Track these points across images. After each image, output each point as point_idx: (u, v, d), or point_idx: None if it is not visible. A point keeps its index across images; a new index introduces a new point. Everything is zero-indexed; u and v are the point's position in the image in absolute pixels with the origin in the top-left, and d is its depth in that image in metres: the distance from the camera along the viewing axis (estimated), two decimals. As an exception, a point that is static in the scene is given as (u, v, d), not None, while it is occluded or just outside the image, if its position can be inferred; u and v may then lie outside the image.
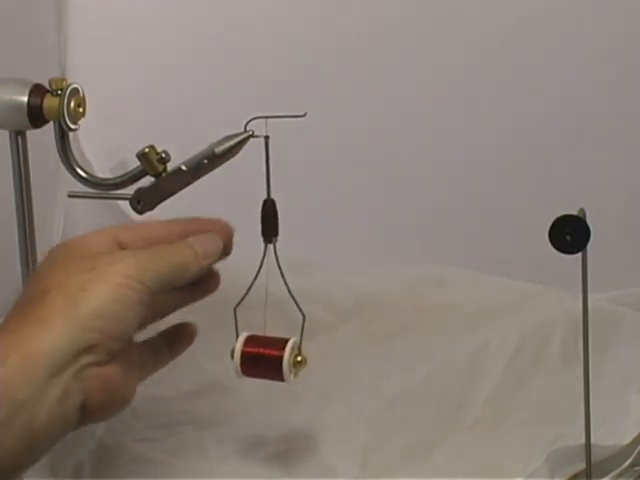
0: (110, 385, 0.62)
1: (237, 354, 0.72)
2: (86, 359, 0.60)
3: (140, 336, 0.67)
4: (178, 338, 0.72)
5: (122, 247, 0.66)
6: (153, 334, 0.70)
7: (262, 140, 0.70)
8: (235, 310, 0.72)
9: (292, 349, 0.72)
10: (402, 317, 0.93)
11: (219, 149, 0.70)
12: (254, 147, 0.70)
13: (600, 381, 0.79)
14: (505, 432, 0.84)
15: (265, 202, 0.71)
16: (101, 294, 0.61)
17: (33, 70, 0.80)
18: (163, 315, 0.70)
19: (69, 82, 0.73)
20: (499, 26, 0.99)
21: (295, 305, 0.72)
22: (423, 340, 0.91)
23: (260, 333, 0.73)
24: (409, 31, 0.98)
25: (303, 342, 0.72)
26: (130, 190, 0.73)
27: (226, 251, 0.70)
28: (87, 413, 0.61)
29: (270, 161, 0.71)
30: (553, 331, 0.91)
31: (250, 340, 0.72)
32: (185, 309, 0.72)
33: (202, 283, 0.70)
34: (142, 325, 0.65)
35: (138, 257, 0.64)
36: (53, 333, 0.59)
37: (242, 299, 0.73)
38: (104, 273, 0.62)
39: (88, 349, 0.60)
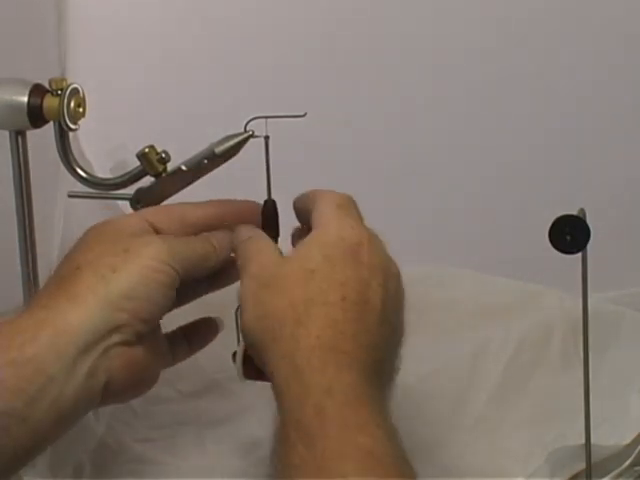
0: (134, 366, 0.63)
1: (239, 358, 0.71)
2: (114, 338, 0.61)
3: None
4: (199, 333, 0.73)
5: (156, 230, 0.67)
6: (174, 328, 0.71)
7: (262, 140, 0.70)
8: (236, 313, 0.72)
9: None
10: (402, 317, 0.92)
11: (219, 149, 0.70)
12: (254, 147, 0.70)
13: (600, 381, 0.79)
14: (505, 432, 0.84)
15: (266, 203, 0.71)
16: (132, 276, 0.62)
17: (33, 70, 0.80)
18: (185, 302, 0.71)
19: (69, 82, 0.73)
20: (499, 26, 0.99)
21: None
22: (423, 340, 0.91)
23: None
24: (409, 31, 0.98)
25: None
26: (130, 190, 0.73)
27: None
28: (109, 392, 0.62)
29: (270, 161, 0.71)
30: (553, 331, 0.91)
31: None
32: (186, 308, 0.72)
33: (220, 275, 0.71)
34: (168, 310, 0.66)
35: (169, 242, 0.65)
36: (85, 311, 0.60)
37: (242, 301, 0.72)
38: (136, 256, 0.63)
39: (117, 329, 0.61)
